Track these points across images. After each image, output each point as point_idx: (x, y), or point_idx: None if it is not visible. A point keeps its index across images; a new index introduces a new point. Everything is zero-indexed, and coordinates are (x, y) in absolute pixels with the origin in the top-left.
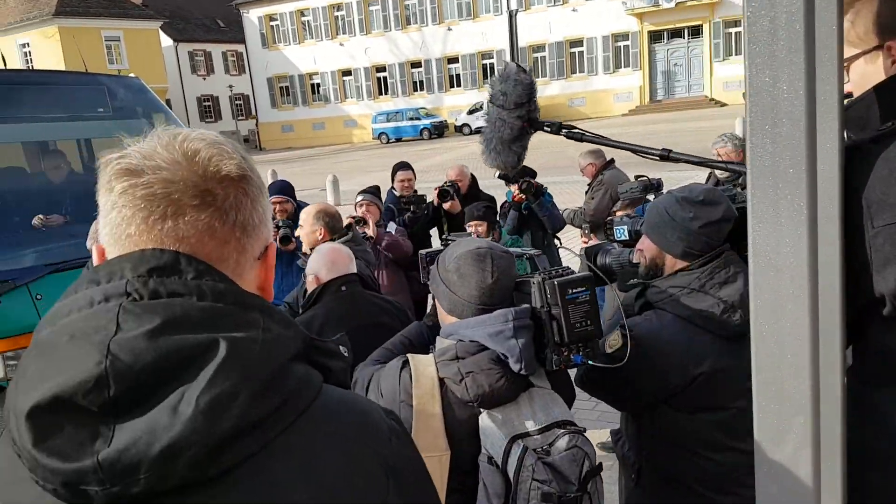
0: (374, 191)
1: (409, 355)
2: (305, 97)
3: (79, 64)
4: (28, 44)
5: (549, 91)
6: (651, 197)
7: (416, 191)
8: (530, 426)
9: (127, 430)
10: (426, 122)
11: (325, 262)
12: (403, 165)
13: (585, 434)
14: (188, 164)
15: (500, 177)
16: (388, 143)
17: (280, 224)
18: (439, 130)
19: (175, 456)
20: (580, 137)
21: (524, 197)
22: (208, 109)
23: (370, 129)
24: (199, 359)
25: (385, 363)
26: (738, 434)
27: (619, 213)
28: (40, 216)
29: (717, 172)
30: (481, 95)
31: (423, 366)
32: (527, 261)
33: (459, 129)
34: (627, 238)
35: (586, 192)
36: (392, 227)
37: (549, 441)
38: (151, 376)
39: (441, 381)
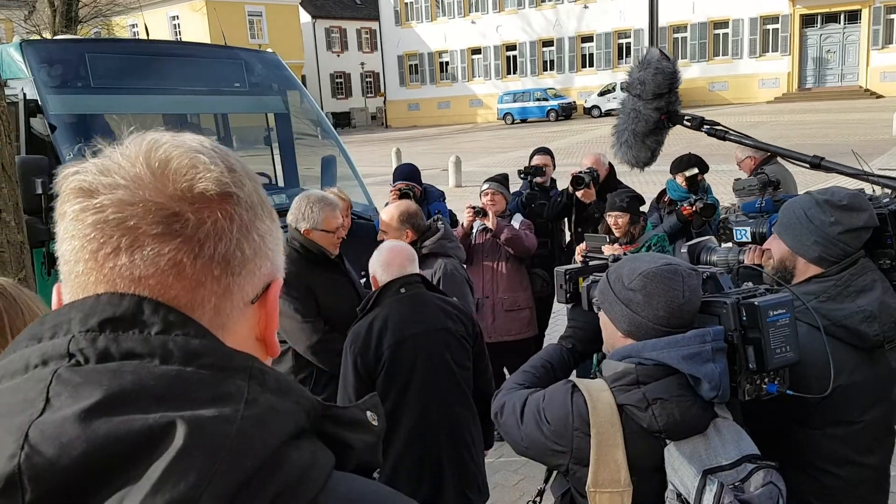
0: (501, 179)
1: (574, 379)
2: (433, 75)
3: (222, 38)
4: (177, 16)
5: (688, 74)
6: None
7: (553, 180)
8: (722, 460)
9: None
10: (554, 103)
11: (382, 263)
12: (542, 150)
13: (777, 469)
14: (153, 180)
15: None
16: (512, 123)
17: None
18: (567, 112)
19: None
20: (723, 136)
21: (692, 215)
22: (340, 86)
23: (495, 110)
24: (146, 451)
25: (535, 387)
26: (864, 448)
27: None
28: None
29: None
30: (614, 77)
31: (597, 391)
32: (709, 279)
33: (588, 112)
34: (749, 240)
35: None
36: (518, 219)
37: (742, 476)
38: (80, 477)
39: (620, 407)
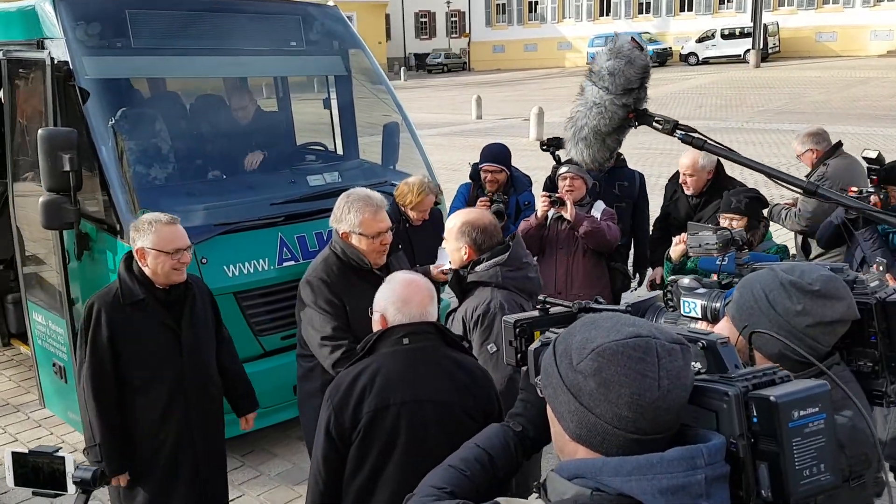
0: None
1: (502, 501)
2: (521, 16)
3: None
4: None
5: (793, 22)
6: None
7: (623, 160)
8: None
9: None
10: (648, 48)
11: (393, 299)
12: None
13: None
14: None
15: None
16: None
17: (494, 199)
18: (662, 58)
19: None
20: (700, 145)
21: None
22: (424, 26)
23: (584, 54)
24: None
25: (458, 497)
26: None
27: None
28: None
29: None
30: (715, 22)
31: None
32: (707, 350)
33: (685, 59)
34: (699, 317)
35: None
36: (599, 206)
37: None
38: None
39: None
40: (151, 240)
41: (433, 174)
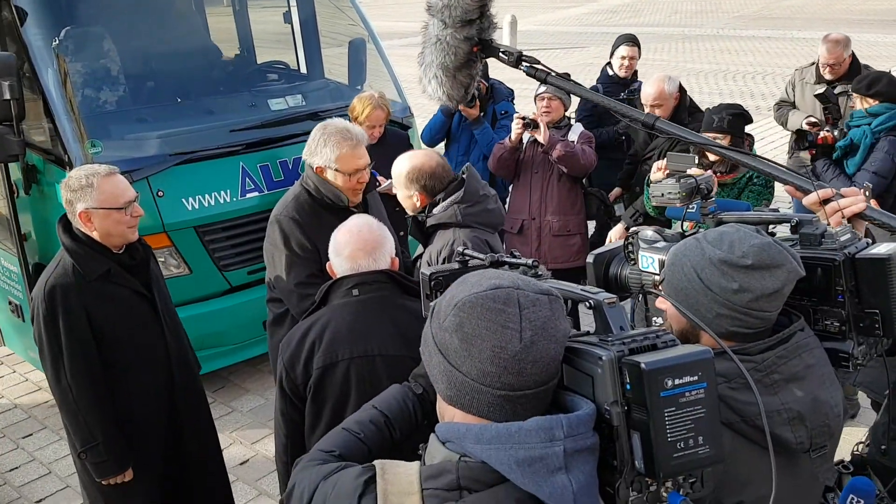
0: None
1: (378, 465)
2: None
3: None
4: None
5: None
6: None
7: (636, 72)
8: None
9: None
10: None
11: (333, 247)
12: (627, 39)
13: None
14: None
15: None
16: None
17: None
18: None
19: None
20: (543, 79)
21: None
22: None
23: None
24: None
25: (348, 460)
26: None
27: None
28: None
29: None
30: None
31: (400, 495)
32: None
33: None
34: (657, 273)
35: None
36: (577, 129)
37: None
38: None
39: None
40: (95, 198)
41: (402, 93)
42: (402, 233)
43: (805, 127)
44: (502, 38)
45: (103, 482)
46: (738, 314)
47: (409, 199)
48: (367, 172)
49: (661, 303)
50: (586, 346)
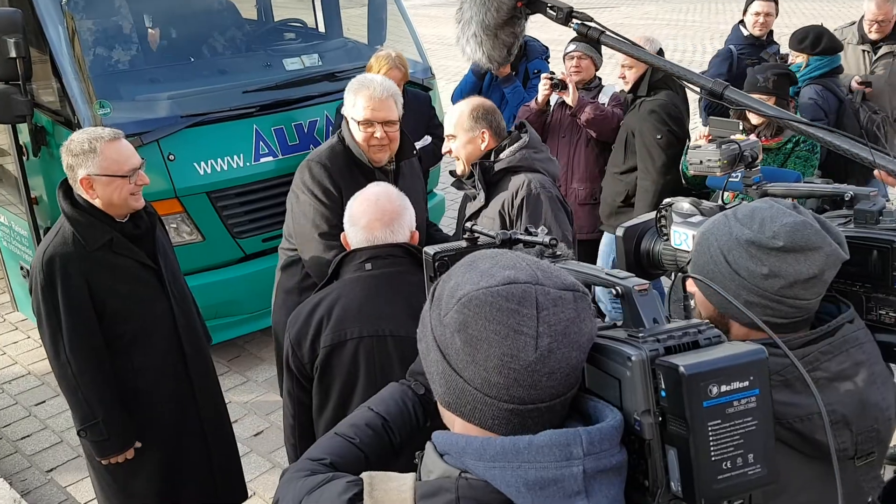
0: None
1: (366, 479)
2: None
3: None
4: None
5: None
6: None
7: (771, 31)
8: None
9: None
10: None
11: (353, 218)
12: None
13: None
14: None
15: None
16: None
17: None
18: None
19: None
20: (596, 38)
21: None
22: None
23: None
24: None
25: (326, 479)
26: None
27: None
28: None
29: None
30: None
31: None
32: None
33: None
34: (689, 250)
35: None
36: (609, 91)
37: None
38: None
39: None
40: (98, 164)
41: (423, 53)
42: None
43: (854, 87)
44: None
45: (103, 462)
46: (769, 302)
47: (471, 142)
48: (389, 130)
49: (691, 285)
50: (613, 344)
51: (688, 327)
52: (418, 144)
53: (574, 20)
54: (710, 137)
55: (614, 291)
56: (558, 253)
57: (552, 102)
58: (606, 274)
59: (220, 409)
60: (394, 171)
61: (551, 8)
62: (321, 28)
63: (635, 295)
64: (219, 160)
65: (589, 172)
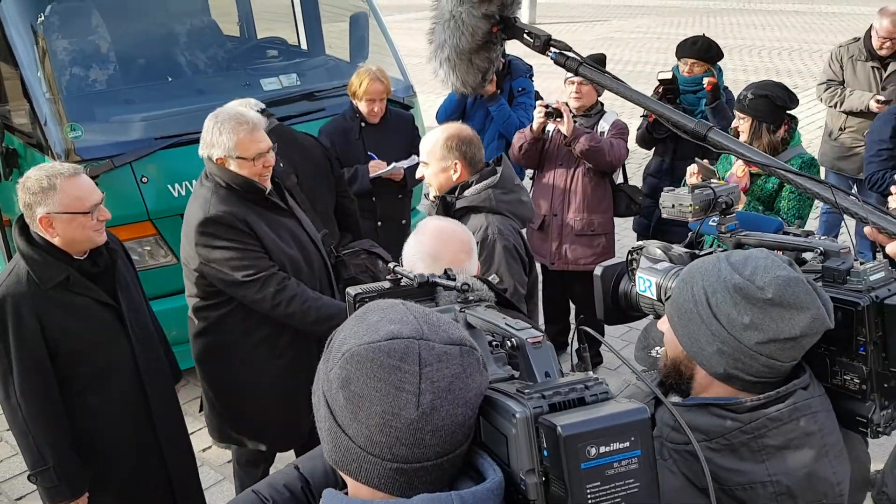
0: (598, 60)
1: None
2: None
3: None
4: None
5: None
6: None
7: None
8: None
9: None
10: None
11: (421, 255)
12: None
13: None
14: None
15: None
16: None
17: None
18: None
19: None
20: (574, 68)
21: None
22: None
23: None
24: None
25: None
26: None
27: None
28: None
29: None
30: None
31: None
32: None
33: None
34: (654, 298)
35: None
36: (610, 118)
37: None
38: None
39: None
40: (58, 201)
41: (405, 71)
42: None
43: (874, 106)
44: (521, 10)
45: None
46: (741, 355)
47: (443, 172)
48: (272, 156)
49: (663, 323)
50: (502, 399)
51: (575, 383)
52: (405, 164)
53: (552, 49)
54: (702, 176)
55: (511, 343)
56: (470, 298)
57: (549, 129)
58: (505, 324)
59: (186, 459)
60: (277, 191)
61: (528, 34)
62: (304, 45)
63: (528, 348)
64: (193, 182)
65: (587, 203)
